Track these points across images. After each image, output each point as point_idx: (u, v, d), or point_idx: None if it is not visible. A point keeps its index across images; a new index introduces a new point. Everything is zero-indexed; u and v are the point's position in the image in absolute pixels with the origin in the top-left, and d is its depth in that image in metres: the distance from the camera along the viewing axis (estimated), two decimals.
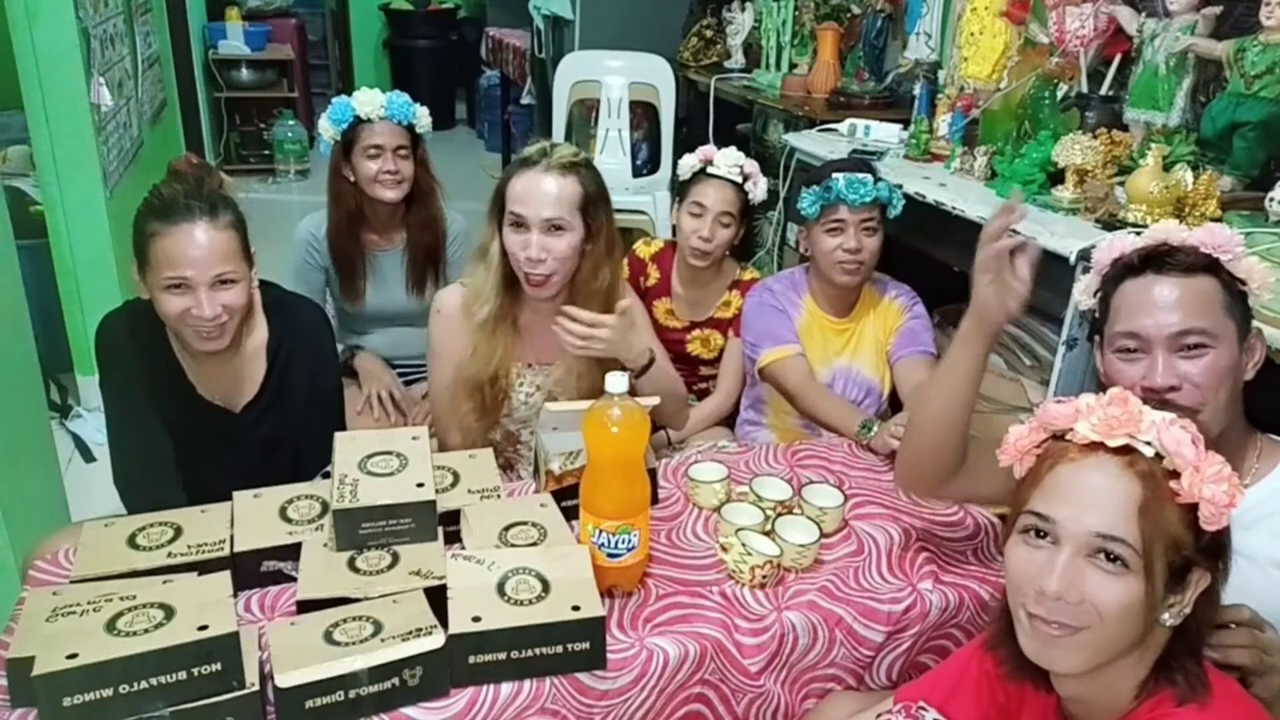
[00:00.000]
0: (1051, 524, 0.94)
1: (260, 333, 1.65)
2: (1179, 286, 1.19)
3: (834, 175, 1.93)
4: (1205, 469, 0.91)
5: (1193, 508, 0.91)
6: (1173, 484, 0.92)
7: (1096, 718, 1.00)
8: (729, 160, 2.22)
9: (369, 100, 2.21)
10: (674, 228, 2.32)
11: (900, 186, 2.04)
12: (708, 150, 2.26)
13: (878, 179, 1.94)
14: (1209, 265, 1.19)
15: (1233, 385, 1.20)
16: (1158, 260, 1.21)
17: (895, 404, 2.08)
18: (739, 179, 2.21)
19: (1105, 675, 0.96)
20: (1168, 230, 1.23)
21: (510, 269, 1.69)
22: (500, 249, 1.68)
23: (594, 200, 1.68)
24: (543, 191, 1.63)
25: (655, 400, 1.71)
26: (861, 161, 2.06)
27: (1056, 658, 0.95)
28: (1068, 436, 0.97)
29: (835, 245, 1.93)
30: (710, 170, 2.22)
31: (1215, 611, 0.98)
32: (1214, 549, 0.94)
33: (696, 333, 2.34)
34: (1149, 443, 0.93)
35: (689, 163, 2.28)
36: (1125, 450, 0.93)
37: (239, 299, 1.52)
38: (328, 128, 2.25)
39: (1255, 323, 1.24)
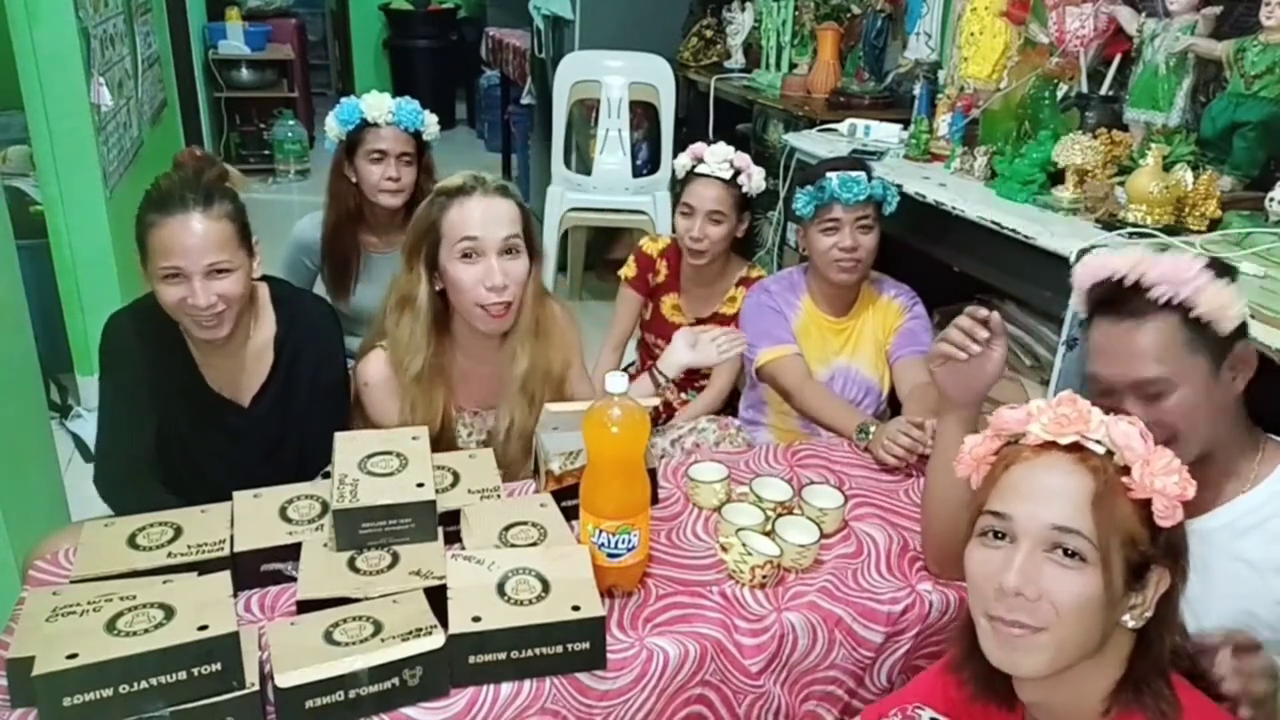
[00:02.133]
0: (1008, 521, 0.95)
1: (268, 326, 1.66)
2: (1135, 332, 1.17)
3: (827, 175, 1.92)
4: (1155, 462, 0.92)
5: (1146, 504, 0.92)
6: (1124, 479, 0.93)
7: None
8: (718, 157, 2.21)
9: (377, 105, 2.21)
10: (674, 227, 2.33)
11: (900, 186, 2.04)
12: (698, 148, 2.26)
13: (872, 177, 1.94)
14: (1167, 304, 1.16)
15: (1211, 410, 1.18)
16: (1117, 303, 1.19)
17: (894, 403, 2.09)
18: (728, 174, 2.21)
19: (1068, 681, 0.95)
20: (1130, 264, 1.18)
21: (440, 314, 1.61)
22: (429, 291, 1.59)
23: (530, 219, 1.62)
24: (496, 213, 1.55)
25: (655, 401, 1.71)
26: (856, 160, 2.06)
27: (1019, 660, 0.95)
28: (1021, 440, 0.98)
29: (831, 244, 1.93)
30: (699, 169, 2.23)
31: (1176, 617, 0.98)
32: (1170, 547, 0.94)
33: (700, 329, 2.34)
34: (1099, 441, 0.94)
35: (681, 163, 2.29)
36: (1076, 448, 0.94)
37: (235, 288, 1.52)
38: (334, 127, 2.26)
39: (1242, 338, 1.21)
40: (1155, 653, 0.95)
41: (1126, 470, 0.93)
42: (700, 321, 2.34)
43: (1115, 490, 0.92)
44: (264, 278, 1.71)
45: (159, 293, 1.51)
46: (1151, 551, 0.93)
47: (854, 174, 1.92)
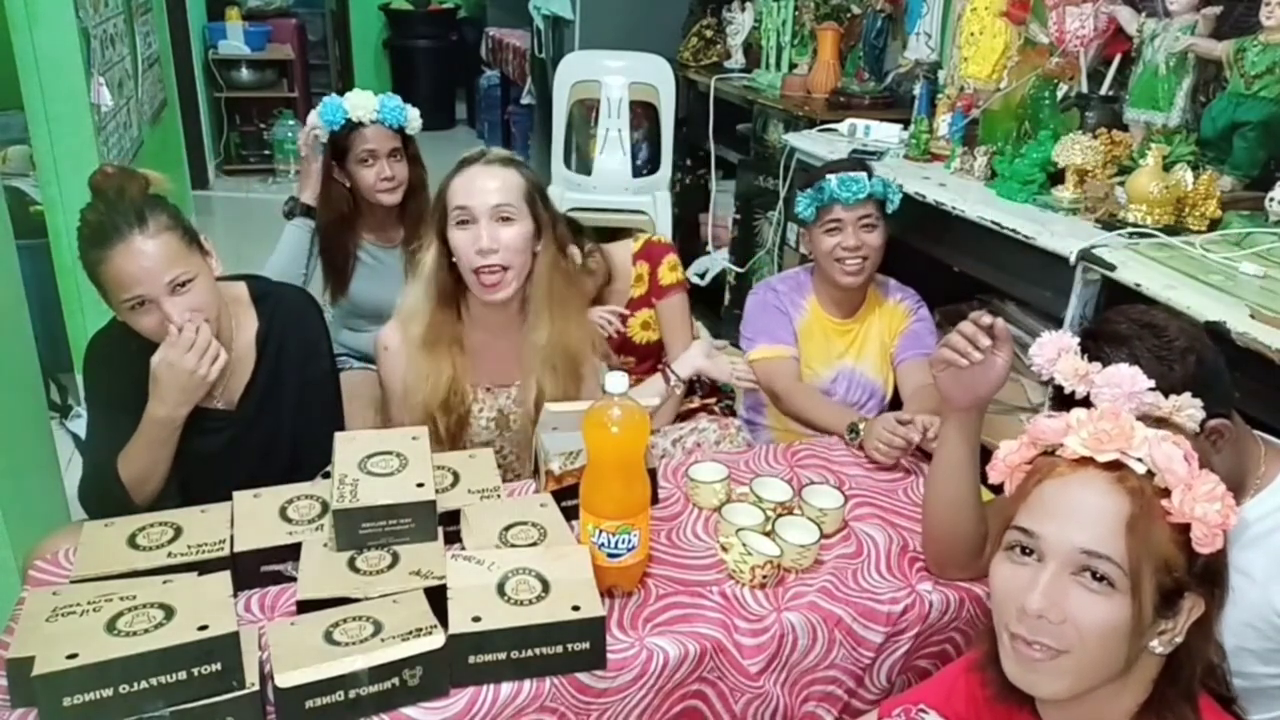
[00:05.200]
0: (1036, 540, 0.91)
1: (250, 324, 1.64)
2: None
3: (827, 176, 1.93)
4: (1198, 487, 0.87)
5: (1185, 528, 0.87)
6: (1164, 502, 0.88)
7: None
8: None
9: (361, 104, 2.19)
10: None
11: (901, 186, 2.04)
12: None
13: (871, 175, 1.94)
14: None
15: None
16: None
17: (897, 405, 2.09)
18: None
19: (1091, 703, 0.93)
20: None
21: (450, 282, 1.64)
22: (436, 260, 1.63)
23: (539, 191, 1.66)
24: (486, 181, 1.60)
25: (655, 401, 1.71)
26: (856, 161, 2.06)
27: (1037, 682, 0.92)
28: (1058, 452, 0.94)
29: (834, 244, 1.93)
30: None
31: (1209, 644, 0.93)
32: (1208, 574, 0.89)
33: (631, 319, 2.33)
34: (1140, 459, 0.89)
35: None
36: (1115, 466, 0.90)
37: (203, 296, 1.49)
38: (318, 125, 2.23)
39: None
40: (1183, 678, 0.92)
41: (1166, 493, 0.88)
42: (630, 306, 2.33)
43: (1153, 514, 0.87)
44: (242, 276, 1.70)
45: (133, 324, 1.48)
46: (1186, 578, 0.88)
47: (854, 174, 1.92)
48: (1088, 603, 0.88)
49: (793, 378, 2.01)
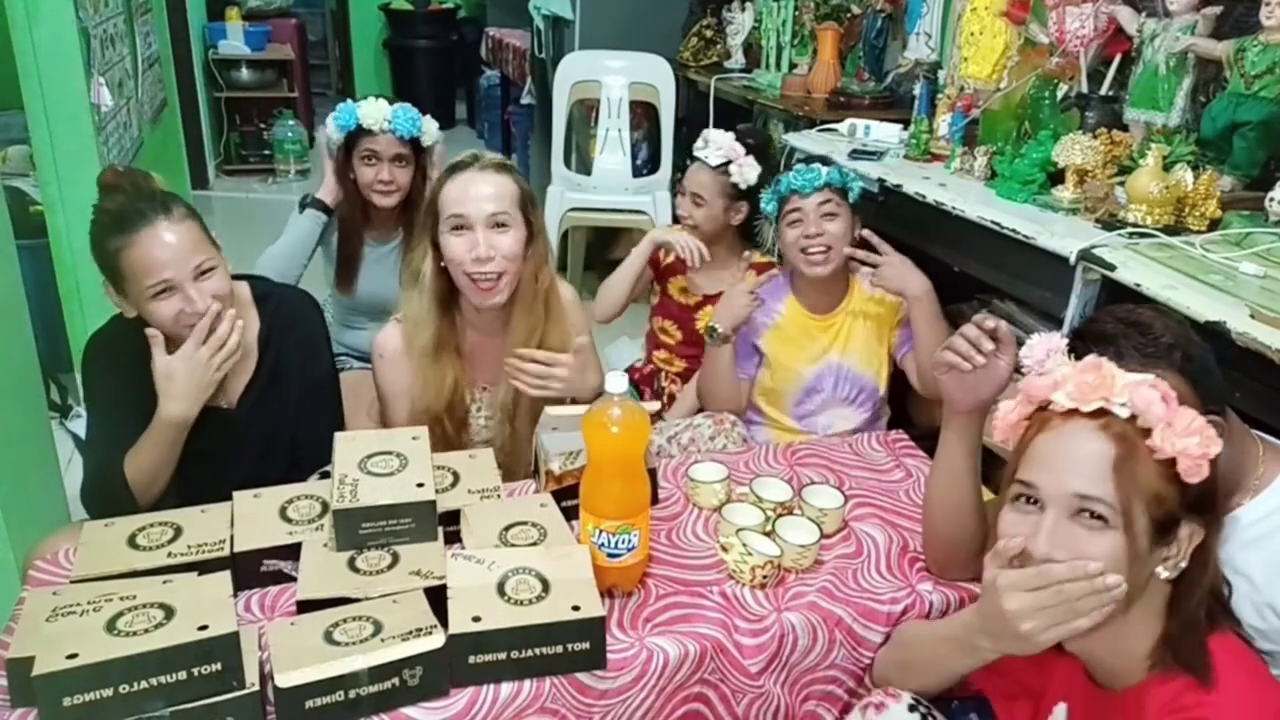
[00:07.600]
0: (1035, 489, 1.00)
1: (252, 324, 1.65)
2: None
3: (786, 172, 2.00)
4: (1177, 424, 0.95)
5: (1171, 462, 0.96)
6: (1147, 442, 0.96)
7: (1114, 681, 1.05)
8: (714, 144, 2.30)
9: (373, 113, 2.24)
10: None
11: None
12: (708, 132, 2.35)
13: (828, 165, 2.00)
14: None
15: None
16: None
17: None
18: (715, 162, 2.28)
19: (1110, 633, 0.99)
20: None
21: (446, 289, 1.65)
22: (434, 267, 1.64)
23: (530, 198, 1.67)
24: (481, 189, 1.60)
25: (656, 405, 1.72)
26: (819, 158, 2.11)
27: None
28: (1050, 406, 1.02)
29: (797, 234, 1.96)
30: (696, 151, 2.33)
31: (1209, 570, 1.01)
32: (1201, 501, 0.98)
33: (707, 308, 2.35)
34: (1123, 404, 0.97)
35: (696, 144, 2.39)
36: (1100, 414, 0.98)
37: (222, 285, 1.52)
38: (332, 131, 2.30)
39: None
40: (1190, 605, 1.00)
41: (1149, 433, 0.96)
42: (707, 299, 2.36)
43: (1137, 454, 0.96)
44: (244, 276, 1.71)
45: (150, 314, 1.48)
46: (1179, 508, 0.97)
47: (810, 166, 1.98)
48: (1088, 539, 0.97)
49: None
